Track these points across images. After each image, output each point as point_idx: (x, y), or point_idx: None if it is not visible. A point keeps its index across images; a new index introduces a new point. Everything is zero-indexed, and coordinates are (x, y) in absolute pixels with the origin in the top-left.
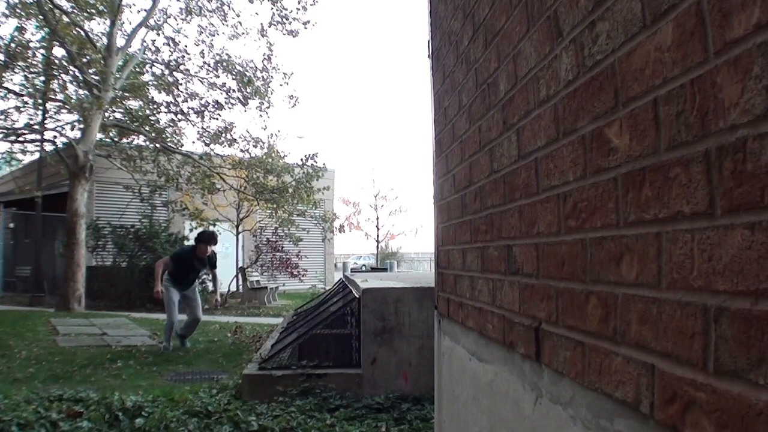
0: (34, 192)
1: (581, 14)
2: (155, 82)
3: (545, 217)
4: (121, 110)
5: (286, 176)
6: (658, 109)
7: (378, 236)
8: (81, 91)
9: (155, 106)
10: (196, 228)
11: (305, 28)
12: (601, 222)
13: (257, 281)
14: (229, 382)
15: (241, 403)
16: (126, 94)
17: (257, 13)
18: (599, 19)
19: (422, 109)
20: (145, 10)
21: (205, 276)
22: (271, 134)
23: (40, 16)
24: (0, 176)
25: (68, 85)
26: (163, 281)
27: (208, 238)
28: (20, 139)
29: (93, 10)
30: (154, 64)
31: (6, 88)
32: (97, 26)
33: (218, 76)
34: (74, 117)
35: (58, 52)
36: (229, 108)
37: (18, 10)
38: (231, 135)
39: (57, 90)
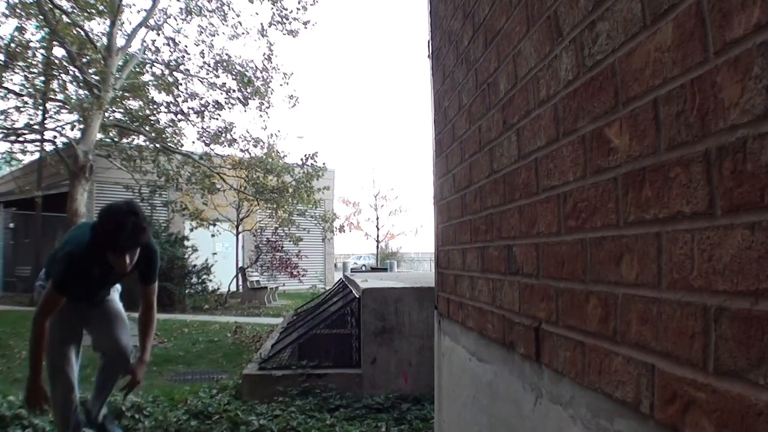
0: (34, 192)
1: (581, 14)
2: (155, 82)
3: (545, 217)
4: (121, 110)
5: (286, 176)
6: (658, 109)
7: (378, 236)
8: (81, 91)
9: (155, 106)
10: (196, 228)
11: (305, 28)
12: (601, 222)
13: (257, 281)
14: (229, 382)
15: (241, 403)
16: (126, 94)
17: (257, 13)
18: (599, 19)
19: (422, 109)
20: (145, 10)
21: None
22: (271, 134)
23: (40, 16)
24: (0, 176)
25: (68, 85)
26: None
27: (113, 234)
28: (20, 139)
29: (93, 10)
30: (154, 64)
31: (6, 88)
32: (97, 26)
33: (218, 76)
34: (74, 117)
35: (58, 52)
36: (229, 108)
37: (18, 10)
38: (231, 135)
39: (57, 90)
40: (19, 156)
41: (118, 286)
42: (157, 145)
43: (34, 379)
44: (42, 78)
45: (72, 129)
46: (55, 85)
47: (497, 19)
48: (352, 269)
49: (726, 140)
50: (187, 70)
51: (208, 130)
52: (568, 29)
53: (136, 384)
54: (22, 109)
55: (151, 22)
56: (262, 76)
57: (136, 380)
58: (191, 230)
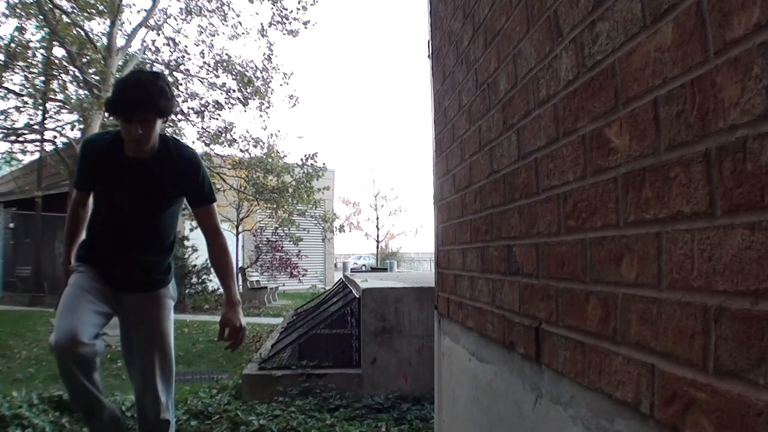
0: (34, 192)
1: (581, 14)
2: None
3: (545, 217)
4: None
5: (286, 176)
6: (658, 109)
7: (378, 236)
8: (81, 91)
9: None
10: (196, 228)
11: (305, 28)
12: (601, 222)
13: (257, 281)
14: (229, 382)
15: (241, 403)
16: None
17: (257, 13)
18: (599, 19)
19: (422, 109)
20: (145, 10)
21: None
22: (271, 134)
23: (40, 16)
24: (0, 176)
25: (68, 85)
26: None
27: (119, 87)
28: (20, 139)
29: (93, 10)
30: (154, 64)
31: (6, 88)
32: (97, 26)
33: (218, 76)
34: (74, 117)
35: (58, 52)
36: (229, 108)
37: (18, 10)
38: (231, 135)
39: (57, 90)
40: (19, 156)
41: (172, 291)
42: None
43: (64, 262)
44: (42, 78)
45: (72, 129)
46: (55, 85)
47: (497, 19)
48: (352, 269)
49: (726, 140)
50: (187, 70)
51: (208, 130)
52: (568, 29)
53: (240, 337)
54: (22, 109)
55: (151, 22)
56: (262, 76)
57: (238, 333)
58: (191, 230)
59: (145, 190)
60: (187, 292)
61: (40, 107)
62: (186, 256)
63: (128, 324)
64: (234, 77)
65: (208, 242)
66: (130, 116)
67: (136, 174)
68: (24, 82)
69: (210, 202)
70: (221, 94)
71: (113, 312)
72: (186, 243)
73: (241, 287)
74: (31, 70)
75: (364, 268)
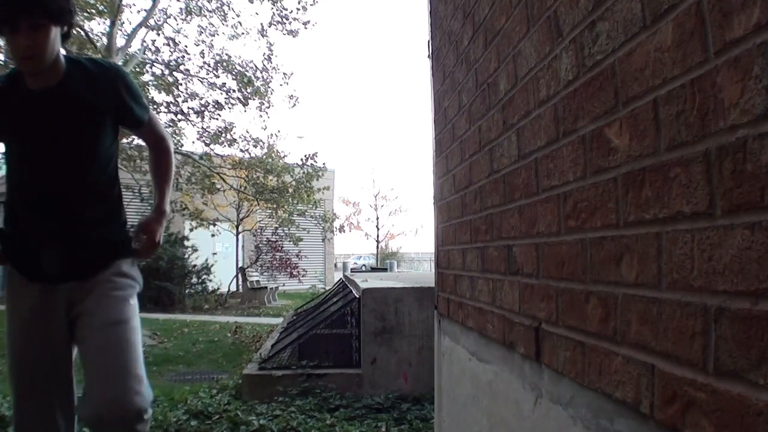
0: None
1: (581, 14)
2: (155, 82)
3: (545, 217)
4: None
5: (286, 176)
6: (658, 109)
7: (378, 236)
8: None
9: (155, 106)
10: (196, 228)
11: (305, 28)
12: (601, 222)
13: (257, 281)
14: (229, 382)
15: (241, 403)
16: None
17: (257, 13)
18: (599, 19)
19: (422, 109)
20: (145, 10)
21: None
22: (271, 134)
23: None
24: (0, 176)
25: None
26: None
27: None
28: None
29: (93, 10)
30: (154, 64)
31: None
32: (97, 26)
33: (218, 76)
34: None
35: None
36: (229, 108)
37: None
38: (231, 135)
39: None
40: None
41: (131, 270)
42: None
43: None
44: None
45: None
46: None
47: (497, 19)
48: (352, 269)
49: (726, 140)
50: (187, 70)
51: (208, 130)
52: (568, 29)
53: (153, 247)
54: None
55: (151, 22)
56: (262, 76)
57: (154, 242)
58: (191, 230)
59: (62, 121)
60: (187, 292)
61: None
62: (186, 256)
63: (87, 320)
64: (234, 77)
65: (152, 147)
66: (13, 22)
67: (47, 105)
68: None
69: (146, 115)
70: (221, 94)
71: (71, 346)
72: (186, 243)
73: (241, 287)
74: None
75: (364, 268)
